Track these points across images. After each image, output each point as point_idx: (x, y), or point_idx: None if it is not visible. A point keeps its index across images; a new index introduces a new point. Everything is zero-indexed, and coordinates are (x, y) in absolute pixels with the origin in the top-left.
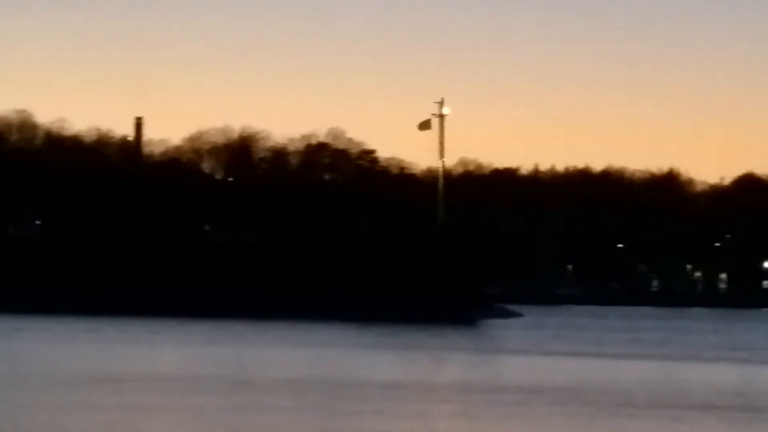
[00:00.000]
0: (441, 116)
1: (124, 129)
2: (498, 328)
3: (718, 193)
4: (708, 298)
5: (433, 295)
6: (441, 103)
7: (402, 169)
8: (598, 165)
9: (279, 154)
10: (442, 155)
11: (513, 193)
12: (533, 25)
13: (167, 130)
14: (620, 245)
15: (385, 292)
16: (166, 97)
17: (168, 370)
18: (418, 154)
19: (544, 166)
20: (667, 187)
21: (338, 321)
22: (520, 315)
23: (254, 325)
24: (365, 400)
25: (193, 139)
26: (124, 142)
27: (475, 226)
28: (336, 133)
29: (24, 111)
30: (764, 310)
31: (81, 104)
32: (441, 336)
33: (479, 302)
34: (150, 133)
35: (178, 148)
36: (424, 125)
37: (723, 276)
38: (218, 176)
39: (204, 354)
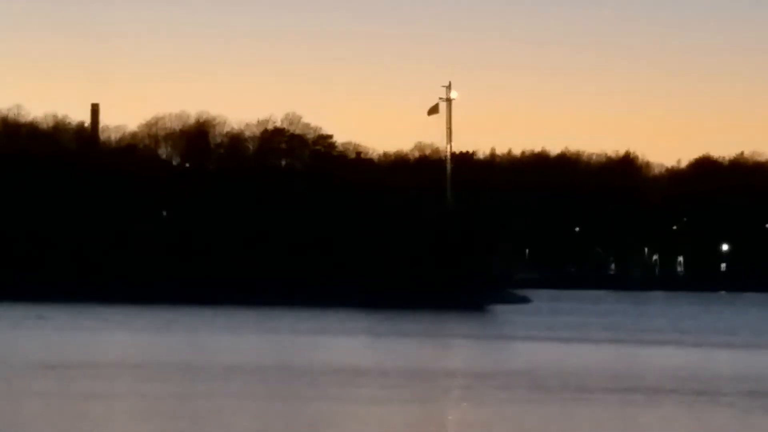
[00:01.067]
0: (448, 100)
1: (80, 115)
2: (507, 313)
3: (674, 177)
4: (665, 282)
5: (441, 280)
6: (449, 88)
7: (359, 153)
8: (554, 149)
9: (235, 140)
10: (449, 140)
11: (470, 176)
12: (494, 12)
13: (123, 117)
14: (577, 229)
15: (392, 277)
16: (122, 83)
17: (118, 357)
18: (376, 139)
19: (500, 150)
20: (624, 170)
21: (343, 308)
22: (528, 300)
23: (246, 313)
24: (322, 385)
25: (149, 125)
26: (80, 128)
27: (485, 209)
28: (292, 119)
29: None
30: (722, 293)
31: (37, 91)
32: (448, 322)
33: (488, 287)
34: (106, 120)
35: (134, 135)
36: (433, 110)
37: (680, 259)
38: (175, 162)
39: (158, 341)
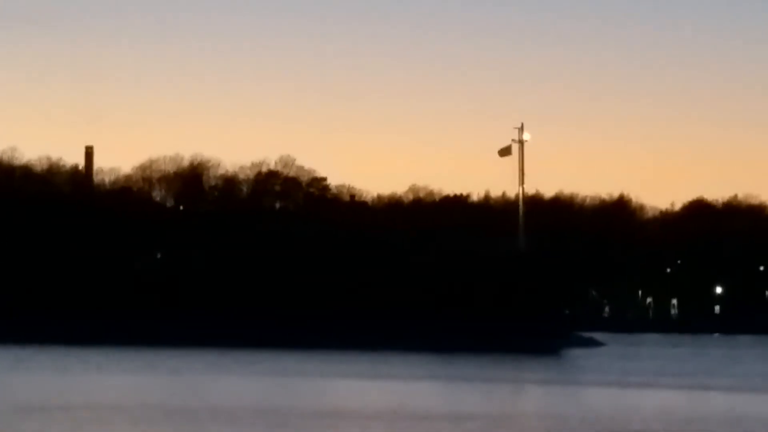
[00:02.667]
0: (521, 142)
1: (74, 158)
2: (582, 358)
3: (668, 219)
4: (660, 324)
5: (515, 322)
6: (521, 129)
7: (352, 196)
8: (548, 191)
9: (230, 182)
10: (521, 181)
11: (464, 218)
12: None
13: (118, 159)
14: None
15: (463, 319)
16: (116, 126)
17: (106, 399)
18: (368, 182)
19: (495, 192)
20: (618, 213)
21: (410, 351)
22: (601, 344)
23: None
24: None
25: (143, 167)
26: (74, 171)
27: (559, 250)
28: (286, 161)
29: None
30: (716, 335)
31: (31, 133)
32: (524, 367)
33: (562, 331)
34: (100, 162)
35: (128, 177)
36: (504, 151)
37: (674, 301)
38: (169, 204)
39: (157, 383)
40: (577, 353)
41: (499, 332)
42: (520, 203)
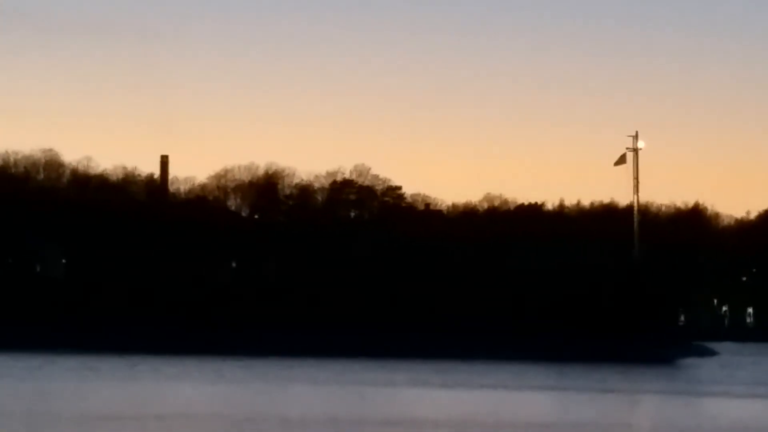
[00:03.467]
0: (635, 150)
1: (149, 167)
2: (695, 367)
3: (743, 228)
4: (735, 332)
5: (628, 332)
6: (635, 137)
7: (428, 205)
8: (623, 200)
9: (304, 191)
10: (636, 190)
11: (540, 227)
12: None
13: (193, 168)
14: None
15: (575, 329)
16: (191, 135)
17: (184, 409)
18: (442, 189)
19: (569, 201)
20: (693, 221)
21: (521, 361)
22: (715, 353)
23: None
24: None
25: (218, 176)
26: (150, 180)
27: (673, 260)
28: (361, 170)
29: (50, 150)
30: None
31: (107, 143)
32: (639, 377)
33: (677, 340)
34: (176, 171)
35: (203, 186)
36: (620, 160)
37: (750, 310)
38: (244, 214)
39: (228, 393)
40: (691, 362)
41: (613, 342)
42: (635, 212)
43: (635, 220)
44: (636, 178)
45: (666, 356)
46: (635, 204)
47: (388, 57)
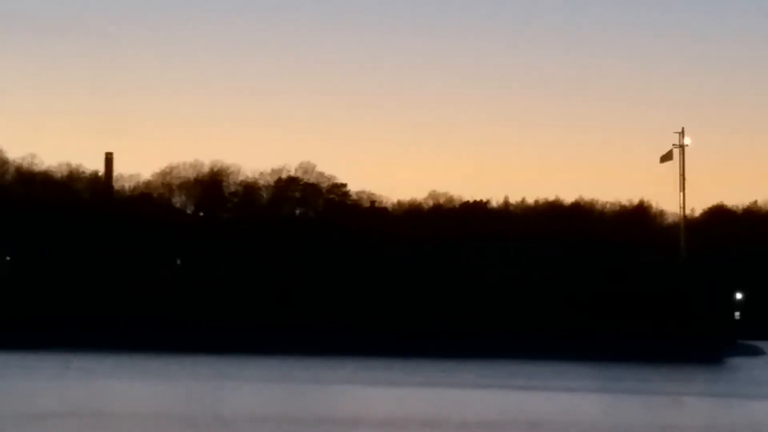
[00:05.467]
0: (682, 147)
1: (94, 165)
2: (745, 367)
3: (688, 225)
4: None
5: (675, 332)
6: (682, 134)
7: (373, 202)
8: (568, 197)
9: (249, 189)
10: (682, 187)
11: (484, 224)
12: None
13: (137, 166)
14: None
15: (622, 329)
16: (136, 132)
17: (122, 406)
18: (389, 187)
19: (514, 198)
20: (639, 219)
21: (571, 360)
22: (762, 352)
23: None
24: None
25: (163, 174)
26: (94, 177)
27: (721, 261)
28: (306, 168)
29: None
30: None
31: (51, 140)
32: (686, 378)
33: (725, 339)
34: (120, 169)
35: (148, 183)
36: (666, 157)
37: None
38: (189, 211)
39: (170, 390)
40: (740, 362)
41: (660, 342)
42: (682, 210)
43: (682, 218)
44: (682, 176)
45: (714, 356)
46: (681, 204)
47: (333, 55)
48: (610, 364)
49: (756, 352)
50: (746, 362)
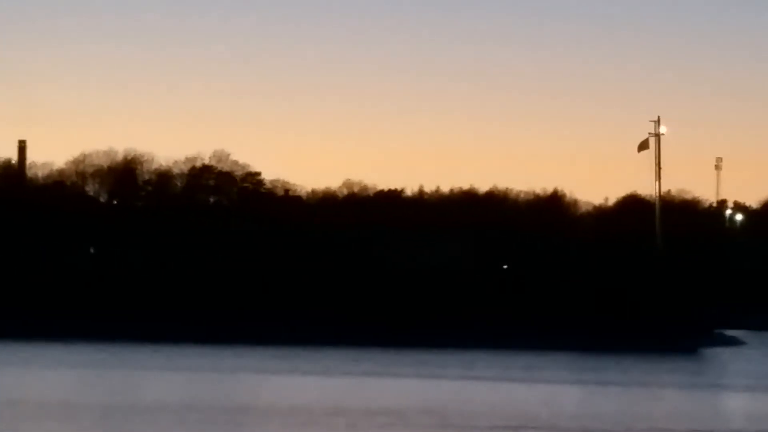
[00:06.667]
0: (657, 135)
1: (7, 152)
2: (722, 357)
3: (602, 214)
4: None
5: (653, 321)
6: (657, 122)
7: (287, 191)
8: (483, 186)
9: (163, 177)
10: (658, 177)
11: (397, 214)
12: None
13: (51, 154)
14: (505, 266)
15: (600, 319)
16: (49, 120)
17: (28, 395)
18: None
19: (428, 187)
20: (552, 207)
21: (551, 350)
22: (742, 343)
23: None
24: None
25: (77, 162)
26: (7, 165)
27: (695, 250)
28: (220, 156)
29: None
30: None
31: None
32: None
33: (701, 329)
34: (33, 156)
35: (61, 171)
36: (642, 146)
37: None
38: (102, 199)
39: (89, 379)
40: (717, 353)
41: (637, 332)
42: (657, 200)
43: (657, 207)
44: (658, 165)
45: (689, 346)
46: (657, 193)
47: (247, 42)
48: (580, 354)
49: (733, 343)
50: (722, 353)
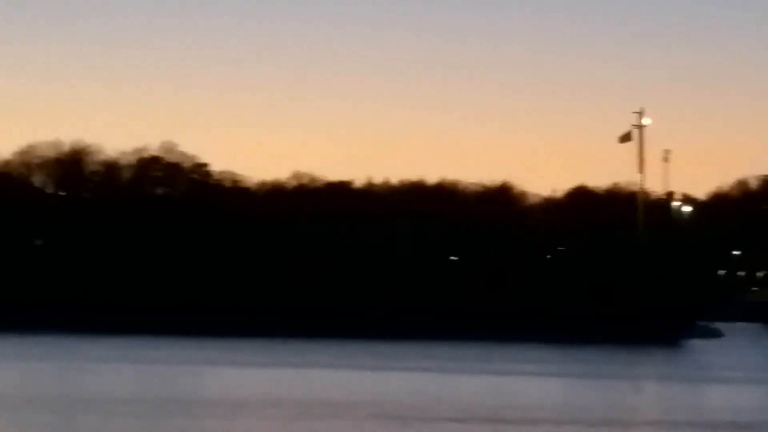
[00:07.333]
0: (641, 127)
1: None
2: (702, 349)
3: (551, 206)
4: None
5: (636, 314)
6: (641, 114)
7: (235, 182)
8: (432, 178)
9: (111, 168)
10: (641, 169)
11: (346, 205)
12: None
13: None
14: (453, 258)
15: (580, 312)
16: None
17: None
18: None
19: (377, 179)
20: (501, 199)
21: (534, 343)
22: (721, 335)
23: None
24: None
25: (22, 153)
26: None
27: (679, 243)
28: (169, 147)
29: None
30: None
31: None
32: (640, 360)
33: (683, 322)
34: None
35: (7, 162)
36: (625, 137)
37: None
38: (49, 190)
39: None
40: (697, 345)
41: (617, 324)
42: (640, 191)
43: (640, 199)
44: (641, 156)
45: (671, 338)
46: (639, 185)
47: (194, 31)
48: (564, 346)
49: (714, 334)
50: (703, 345)
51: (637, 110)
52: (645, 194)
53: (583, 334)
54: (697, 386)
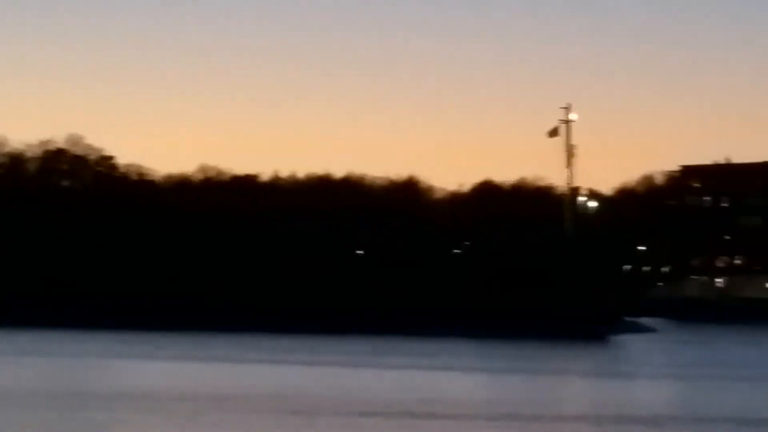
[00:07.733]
0: (567, 122)
1: None
2: (630, 344)
3: (457, 200)
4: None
5: (564, 310)
6: (567, 109)
7: (141, 175)
8: (338, 172)
9: (16, 160)
10: (569, 164)
11: (252, 199)
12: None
13: None
14: (359, 252)
15: (508, 308)
16: None
17: None
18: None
19: (284, 173)
20: (408, 193)
21: (459, 338)
22: (653, 330)
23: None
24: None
25: None
26: None
27: (604, 238)
28: (74, 139)
29: None
30: None
31: None
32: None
33: (611, 317)
34: None
35: None
36: (553, 133)
37: None
38: None
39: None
40: (625, 340)
41: (544, 319)
42: (568, 187)
43: (567, 195)
44: (569, 151)
45: (598, 333)
46: (567, 180)
47: (103, 26)
48: (487, 342)
49: (642, 330)
50: (630, 340)
51: (564, 105)
52: (560, 190)
53: (505, 330)
54: (620, 381)
